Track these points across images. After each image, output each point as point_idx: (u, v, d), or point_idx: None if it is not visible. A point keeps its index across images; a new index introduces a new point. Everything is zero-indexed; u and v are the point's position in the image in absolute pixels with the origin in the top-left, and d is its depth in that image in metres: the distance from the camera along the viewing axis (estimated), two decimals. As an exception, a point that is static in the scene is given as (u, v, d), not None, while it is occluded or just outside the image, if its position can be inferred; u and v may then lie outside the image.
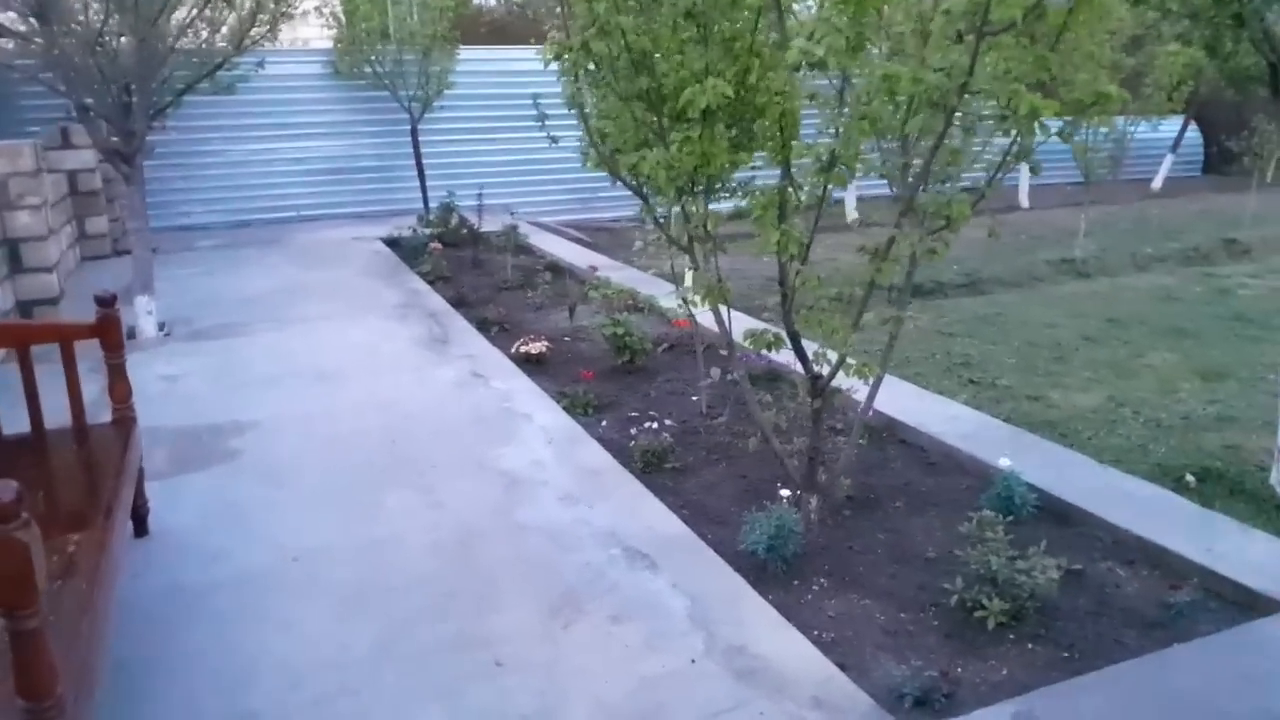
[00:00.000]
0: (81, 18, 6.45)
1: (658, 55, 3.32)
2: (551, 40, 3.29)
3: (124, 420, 3.56)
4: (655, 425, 4.90)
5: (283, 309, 7.44)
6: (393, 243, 10.62)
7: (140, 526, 3.68)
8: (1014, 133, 2.86)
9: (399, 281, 8.53)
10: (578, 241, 11.80)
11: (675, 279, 5.12)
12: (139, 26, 6.46)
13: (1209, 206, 14.78)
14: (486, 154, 13.15)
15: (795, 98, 2.80)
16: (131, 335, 6.74)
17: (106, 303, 3.49)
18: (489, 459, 4.37)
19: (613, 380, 5.70)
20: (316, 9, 11.34)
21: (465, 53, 12.25)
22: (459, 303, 7.78)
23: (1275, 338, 7.29)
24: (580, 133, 8.39)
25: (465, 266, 9.44)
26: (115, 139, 6.74)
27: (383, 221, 11.84)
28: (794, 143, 2.95)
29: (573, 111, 8.23)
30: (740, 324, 4.27)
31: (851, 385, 3.60)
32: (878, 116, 2.87)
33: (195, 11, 7.40)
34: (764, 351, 3.40)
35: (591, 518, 3.72)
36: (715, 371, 4.85)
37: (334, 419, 4.96)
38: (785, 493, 3.64)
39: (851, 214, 13.45)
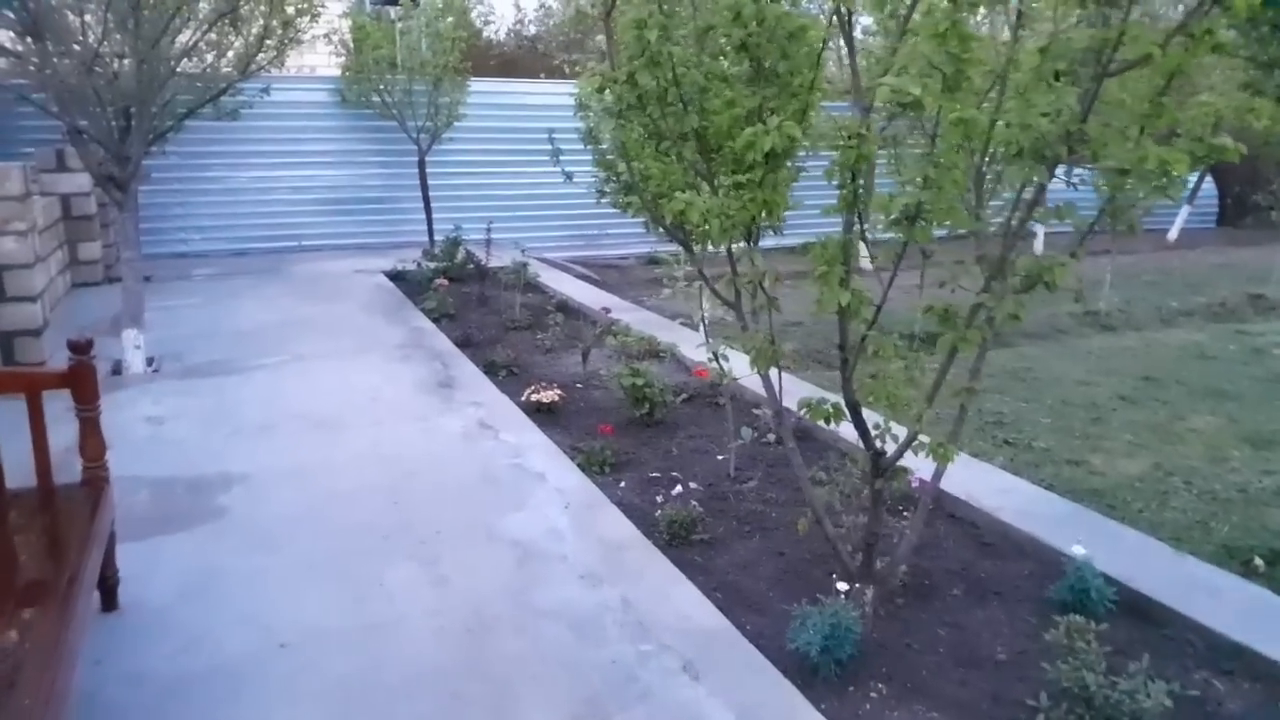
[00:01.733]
0: (80, 37, 6.14)
1: (709, 91, 2.97)
2: (593, 72, 2.94)
3: (95, 481, 3.17)
4: (679, 489, 4.51)
5: (279, 345, 7.06)
6: (396, 276, 10.28)
7: (109, 600, 3.28)
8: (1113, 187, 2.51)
9: (402, 318, 8.17)
10: (585, 279, 11.48)
11: (702, 327, 4.74)
12: (139, 47, 6.15)
13: (1229, 260, 14.49)
14: (493, 187, 12.87)
15: (873, 141, 2.46)
16: (118, 371, 6.37)
17: (81, 349, 3.11)
18: (500, 526, 3.96)
19: (630, 434, 5.32)
20: (325, 36, 11.08)
21: (475, 84, 11.99)
22: (465, 343, 7.41)
23: (1322, 402, 6.94)
24: (594, 169, 8.08)
25: (471, 303, 9.08)
26: (110, 164, 6.40)
27: (386, 254, 11.52)
28: (863, 191, 2.60)
29: (589, 147, 7.90)
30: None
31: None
32: (954, 164, 2.54)
33: (200, 34, 7.08)
34: (824, 423, 3.02)
35: (617, 603, 3.32)
36: (746, 432, 4.47)
37: (331, 473, 4.57)
38: (843, 586, 3.24)
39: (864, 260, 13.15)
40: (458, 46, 11.15)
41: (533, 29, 21.71)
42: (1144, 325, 9.92)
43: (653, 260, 13.98)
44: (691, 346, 7.02)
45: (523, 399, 5.71)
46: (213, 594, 3.40)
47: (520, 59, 20.25)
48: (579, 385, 6.37)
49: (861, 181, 2.60)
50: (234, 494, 4.31)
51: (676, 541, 3.90)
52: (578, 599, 3.35)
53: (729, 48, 3.03)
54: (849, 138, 2.47)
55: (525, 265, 8.82)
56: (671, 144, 3.06)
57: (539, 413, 5.62)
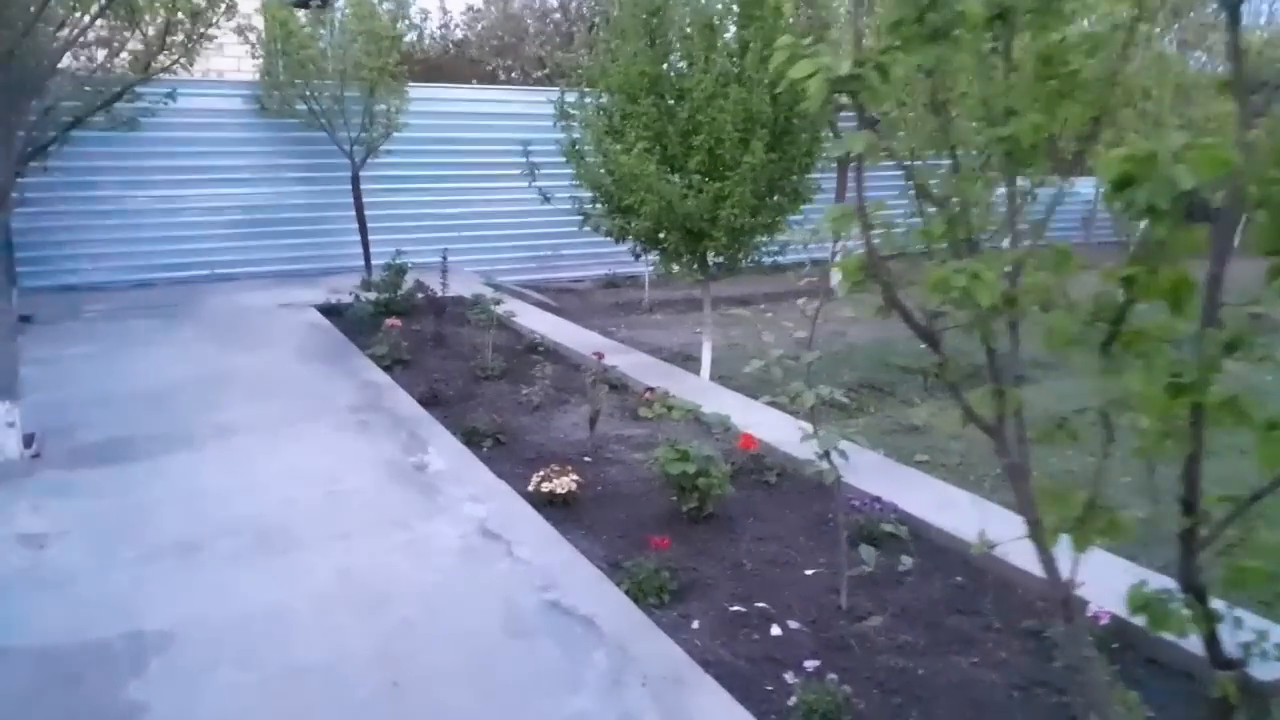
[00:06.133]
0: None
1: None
2: (823, 52, 1.73)
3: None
4: (778, 630, 3.34)
5: (198, 412, 5.62)
6: (331, 311, 8.83)
7: None
8: None
9: (349, 368, 6.78)
10: (542, 306, 10.25)
11: (809, 414, 3.55)
12: (6, 37, 4.70)
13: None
14: (435, 205, 11.48)
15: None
16: (-15, 457, 4.87)
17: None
18: (559, 727, 2.72)
19: (677, 534, 4.11)
20: (239, 30, 9.54)
21: (415, 90, 10.61)
22: (432, 400, 6.09)
23: None
24: (577, 185, 6.85)
25: (427, 345, 7.74)
26: (-33, 188, 4.92)
27: (315, 283, 10.05)
28: None
29: (572, 164, 6.64)
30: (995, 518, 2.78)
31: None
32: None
33: (86, 21, 5.63)
34: (1162, 634, 1.88)
35: None
36: (869, 553, 3.30)
37: (291, 629, 3.24)
38: None
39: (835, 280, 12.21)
40: (396, 47, 9.78)
41: (459, 33, 20.32)
42: (1163, 352, 9.15)
43: (611, 283, 12.83)
44: (711, 398, 5.87)
45: (530, 488, 4.45)
46: None
47: (446, 64, 18.82)
48: (588, 460, 5.13)
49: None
50: (151, 676, 2.95)
51: (816, 738, 2.72)
52: None
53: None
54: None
55: (498, 301, 7.49)
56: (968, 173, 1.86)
57: (551, 506, 4.38)
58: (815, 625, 3.40)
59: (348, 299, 8.92)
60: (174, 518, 4.14)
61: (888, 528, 3.31)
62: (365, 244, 10.12)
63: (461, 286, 8.91)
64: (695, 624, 3.42)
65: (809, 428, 5.27)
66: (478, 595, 3.48)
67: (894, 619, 3.41)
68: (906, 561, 3.23)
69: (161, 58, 8.45)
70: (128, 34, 7.91)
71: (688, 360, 7.99)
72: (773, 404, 3.55)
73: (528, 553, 3.82)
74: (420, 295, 8.74)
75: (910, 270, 1.94)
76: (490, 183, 11.49)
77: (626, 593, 3.54)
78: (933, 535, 4.09)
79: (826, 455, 3.29)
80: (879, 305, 1.89)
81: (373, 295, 8.87)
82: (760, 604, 3.54)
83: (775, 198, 6.54)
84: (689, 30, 6.35)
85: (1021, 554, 3.66)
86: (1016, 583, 3.74)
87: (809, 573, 3.80)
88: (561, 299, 11.37)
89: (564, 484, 4.42)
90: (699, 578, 3.76)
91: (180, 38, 8.31)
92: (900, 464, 5.10)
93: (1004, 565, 3.85)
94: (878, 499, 4.12)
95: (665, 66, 6.38)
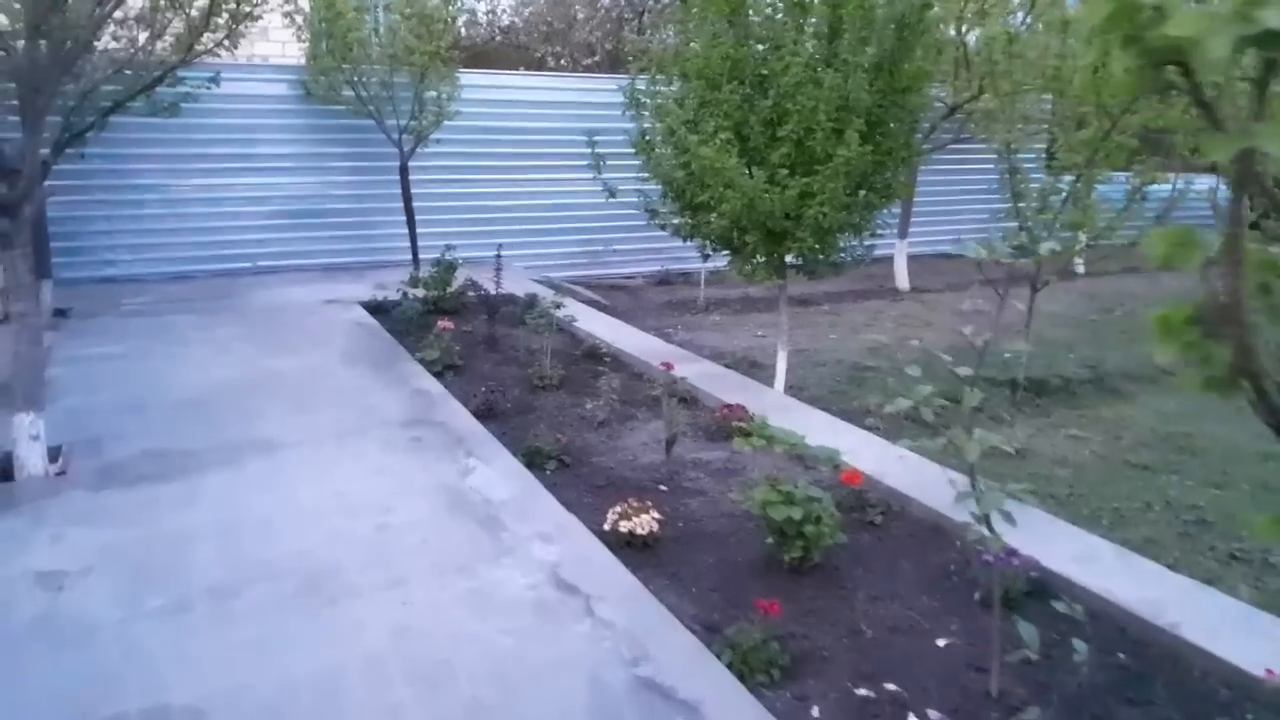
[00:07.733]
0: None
1: None
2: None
3: None
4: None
5: (237, 424, 5.17)
6: (377, 308, 8.37)
7: None
8: None
9: (398, 374, 6.29)
10: (593, 304, 9.71)
11: (958, 451, 2.98)
12: (33, 13, 4.25)
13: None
14: (483, 198, 10.99)
15: None
16: (7, 473, 4.45)
17: None
18: None
19: (778, 589, 3.55)
20: (284, 13, 9.11)
21: (466, 77, 10.12)
22: (487, 413, 5.59)
23: None
24: (647, 179, 6.29)
25: (478, 348, 7.24)
26: (-9, 180, 4.47)
27: (360, 277, 9.62)
28: None
29: (643, 156, 6.06)
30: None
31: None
32: None
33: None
34: None
35: None
36: (1030, 633, 2.71)
37: (341, 710, 2.74)
38: None
39: (902, 279, 11.55)
40: (449, 30, 9.28)
41: (506, 19, 19.79)
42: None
43: (664, 280, 12.25)
44: (793, 416, 5.29)
45: (606, 527, 3.92)
46: None
47: (493, 52, 18.32)
48: (664, 488, 4.60)
49: None
50: (176, 771, 2.47)
51: None
52: None
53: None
54: None
55: (558, 304, 6.96)
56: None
57: (629, 547, 3.86)
58: (959, 717, 2.84)
59: (395, 296, 8.45)
60: (208, 554, 3.67)
61: (1060, 606, 2.74)
62: (413, 237, 9.66)
63: (512, 284, 8.42)
64: (815, 711, 2.87)
65: (908, 455, 4.71)
66: (558, 669, 2.95)
67: (1054, 710, 2.83)
68: (1081, 649, 2.65)
69: (206, 38, 8.03)
70: (170, 15, 7.48)
71: (753, 367, 7.45)
72: (915, 448, 2.96)
73: (610, 611, 3.29)
74: (472, 293, 8.26)
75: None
76: (541, 174, 11.00)
77: (729, 666, 3.01)
78: (1077, 594, 3.50)
79: (986, 519, 2.72)
80: (1216, 376, 1.32)
81: (421, 292, 8.41)
82: (890, 685, 2.98)
83: (864, 193, 5.95)
84: (771, 10, 5.76)
85: (1194, 627, 3.07)
86: (1190, 661, 3.16)
87: (940, 643, 3.23)
88: (612, 296, 10.84)
89: (644, 523, 3.88)
90: (812, 648, 3.21)
91: (224, 19, 7.87)
92: (1021, 502, 4.50)
93: (1171, 638, 3.27)
94: (1014, 552, 3.53)
95: (747, 51, 5.80)
